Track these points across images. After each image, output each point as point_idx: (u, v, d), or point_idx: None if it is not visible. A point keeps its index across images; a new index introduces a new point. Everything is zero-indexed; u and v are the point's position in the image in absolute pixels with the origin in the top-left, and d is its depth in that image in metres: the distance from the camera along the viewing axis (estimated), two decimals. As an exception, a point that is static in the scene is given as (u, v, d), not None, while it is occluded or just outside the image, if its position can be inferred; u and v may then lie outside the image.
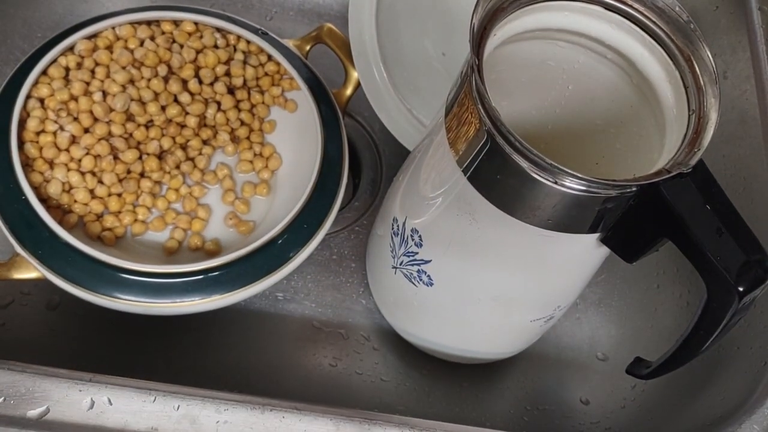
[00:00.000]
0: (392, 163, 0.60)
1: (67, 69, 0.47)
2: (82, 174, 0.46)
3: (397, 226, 0.44)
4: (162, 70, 0.49)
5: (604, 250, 0.37)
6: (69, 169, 0.46)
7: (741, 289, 0.32)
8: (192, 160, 0.50)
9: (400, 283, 0.46)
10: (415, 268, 0.43)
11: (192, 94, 0.50)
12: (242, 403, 0.35)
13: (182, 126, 0.50)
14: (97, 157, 0.46)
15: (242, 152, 0.52)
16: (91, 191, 0.46)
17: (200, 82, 0.50)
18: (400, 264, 0.45)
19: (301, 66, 0.51)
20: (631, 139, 0.41)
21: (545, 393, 0.53)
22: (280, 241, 0.45)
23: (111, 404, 0.34)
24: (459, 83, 0.36)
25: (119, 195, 0.47)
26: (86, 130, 0.47)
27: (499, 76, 0.41)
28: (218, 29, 0.51)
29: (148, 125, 0.48)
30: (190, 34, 0.50)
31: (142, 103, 0.48)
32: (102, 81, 0.47)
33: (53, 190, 0.45)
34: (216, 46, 0.51)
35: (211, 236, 0.49)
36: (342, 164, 0.49)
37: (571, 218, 0.34)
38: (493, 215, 0.36)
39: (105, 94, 0.47)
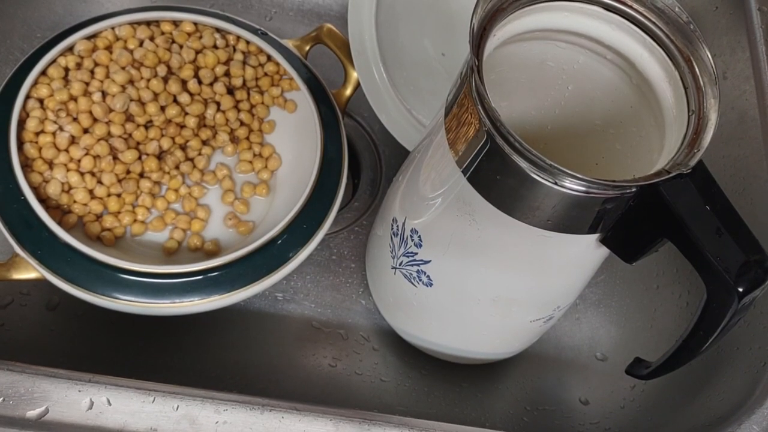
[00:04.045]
0: (392, 164, 0.60)
1: (67, 69, 0.47)
2: (82, 174, 0.46)
3: (397, 226, 0.44)
4: (161, 70, 0.48)
5: (604, 251, 0.37)
6: (68, 170, 0.46)
7: (740, 289, 0.32)
8: (191, 160, 0.50)
9: (399, 283, 0.46)
10: (415, 268, 0.43)
11: (191, 95, 0.50)
12: (241, 403, 0.35)
13: (182, 126, 0.50)
14: (96, 157, 0.46)
15: (242, 152, 0.52)
16: (91, 191, 0.46)
17: (200, 82, 0.50)
18: (400, 264, 0.45)
19: (300, 66, 0.51)
20: (630, 140, 0.41)
21: (545, 393, 0.53)
22: (279, 242, 0.45)
23: (110, 404, 0.34)
24: (459, 84, 0.36)
25: (119, 195, 0.47)
26: (85, 131, 0.47)
27: (498, 76, 0.41)
28: (218, 29, 0.51)
29: (148, 125, 0.48)
30: (189, 35, 0.50)
31: (142, 103, 0.48)
32: (101, 81, 0.47)
33: (52, 190, 0.45)
34: (215, 47, 0.51)
35: (211, 236, 0.49)
36: (341, 164, 0.49)
37: (570, 219, 0.34)
38: (493, 216, 0.36)
39: (104, 94, 0.47)
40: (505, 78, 0.41)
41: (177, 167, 0.49)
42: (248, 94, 0.52)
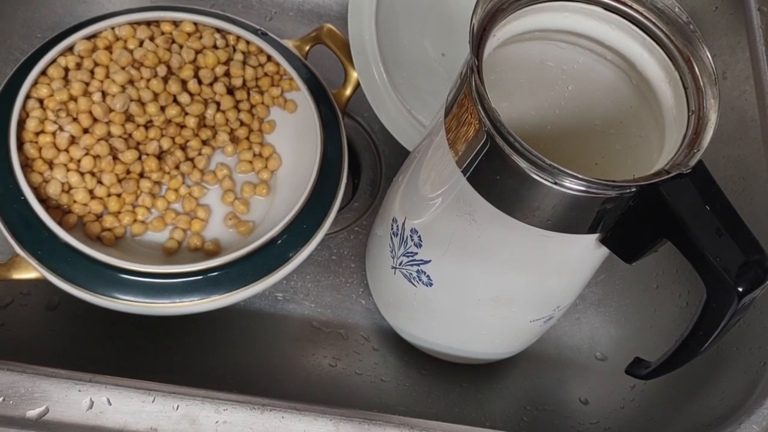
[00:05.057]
0: (392, 164, 0.60)
1: (67, 69, 0.47)
2: (82, 174, 0.46)
3: (397, 226, 0.44)
4: (161, 70, 0.48)
5: (604, 251, 0.37)
6: (68, 170, 0.46)
7: (740, 289, 0.32)
8: (191, 160, 0.50)
9: (399, 283, 0.46)
10: (415, 268, 0.43)
11: (191, 95, 0.50)
12: (242, 403, 0.35)
13: (182, 126, 0.50)
14: (96, 157, 0.46)
15: (242, 152, 0.52)
16: (91, 191, 0.46)
17: (200, 82, 0.50)
18: (400, 264, 0.45)
19: (300, 66, 0.51)
20: (630, 140, 0.41)
21: (545, 393, 0.54)
22: (279, 242, 0.45)
23: (110, 404, 0.34)
24: (458, 84, 0.36)
25: (119, 195, 0.47)
26: (85, 131, 0.47)
27: (498, 76, 0.41)
28: (218, 29, 0.51)
29: (148, 125, 0.48)
30: (189, 35, 0.50)
31: (142, 103, 0.48)
32: (101, 81, 0.47)
33: (52, 190, 0.45)
34: (215, 47, 0.51)
35: (211, 236, 0.49)
36: (341, 164, 0.49)
37: (570, 219, 0.34)
38: (493, 215, 0.36)
39: (104, 94, 0.47)
40: (505, 78, 0.41)
41: (177, 167, 0.49)
42: (248, 94, 0.52)
